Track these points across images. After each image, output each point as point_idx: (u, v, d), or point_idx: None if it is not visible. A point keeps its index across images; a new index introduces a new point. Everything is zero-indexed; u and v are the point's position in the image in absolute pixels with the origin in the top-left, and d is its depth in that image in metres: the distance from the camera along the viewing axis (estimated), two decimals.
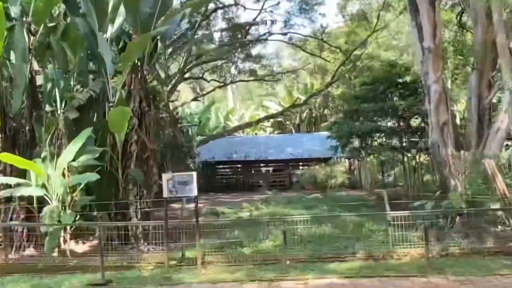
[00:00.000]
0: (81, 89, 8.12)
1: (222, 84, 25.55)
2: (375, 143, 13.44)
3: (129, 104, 7.27)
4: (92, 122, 7.99)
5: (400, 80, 12.72)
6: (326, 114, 31.87)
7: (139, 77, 7.47)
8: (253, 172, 26.09)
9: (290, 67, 30.03)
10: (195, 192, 4.64)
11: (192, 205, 6.59)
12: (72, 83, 8.07)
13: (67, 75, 8.00)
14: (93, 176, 6.21)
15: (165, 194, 4.71)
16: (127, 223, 7.13)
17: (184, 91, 35.10)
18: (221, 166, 26.07)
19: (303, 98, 27.64)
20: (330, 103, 29.79)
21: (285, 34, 22.29)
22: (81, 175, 6.50)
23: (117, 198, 7.35)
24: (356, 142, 13.57)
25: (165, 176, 4.76)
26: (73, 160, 6.69)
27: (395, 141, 13.09)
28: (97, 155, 6.99)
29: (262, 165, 26.85)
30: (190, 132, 26.05)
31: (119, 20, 7.76)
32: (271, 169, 26.32)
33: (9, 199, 6.76)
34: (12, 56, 7.23)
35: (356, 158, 15.88)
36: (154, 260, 5.66)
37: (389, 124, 13.01)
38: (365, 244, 5.99)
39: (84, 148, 6.85)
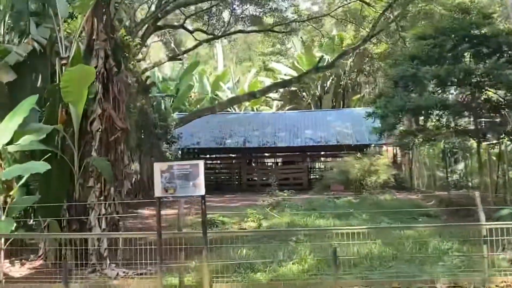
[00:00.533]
0: (19, 39, 8.03)
1: (210, 37, 25.29)
2: (437, 124, 13.47)
3: (89, 62, 7.28)
4: (36, 88, 7.98)
5: (476, 33, 12.58)
6: (360, 82, 31.93)
7: (104, 22, 7.39)
8: (254, 164, 26.34)
9: (310, 12, 29.70)
10: (202, 190, 4.61)
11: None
12: (2, 29, 8.05)
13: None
14: (41, 166, 6.19)
15: (158, 192, 4.68)
16: (87, 235, 7.16)
17: (154, 47, 34.76)
18: (208, 156, 26.23)
19: (328, 58, 27.56)
20: (367, 66, 29.73)
21: None
22: (22, 165, 6.48)
23: (72, 198, 7.46)
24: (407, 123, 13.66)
25: (159, 167, 4.71)
26: (10, 142, 6.66)
27: (466, 122, 13.12)
28: (44, 136, 6.95)
29: (267, 154, 27.07)
30: (163, 106, 26.03)
31: None
32: (280, 160, 26.56)
33: None
34: None
35: (407, 147, 15.95)
36: None
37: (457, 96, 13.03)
38: (439, 268, 6.07)
39: (25, 125, 6.82)
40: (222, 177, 25.86)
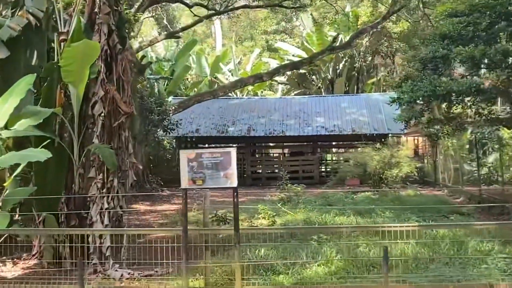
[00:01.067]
0: (12, 11, 8.04)
1: (211, 12, 25.16)
2: (467, 112, 13.51)
3: (91, 38, 7.36)
4: (31, 67, 8.09)
5: None
6: (377, 64, 32.02)
7: None
8: (259, 155, 26.52)
9: None
10: (234, 182, 4.61)
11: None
12: None
13: None
14: (41, 154, 6.25)
15: (184, 183, 4.69)
16: (87, 230, 7.24)
17: (145, 24, 34.60)
18: (207, 146, 26.32)
19: (342, 37, 27.49)
20: (385, 47, 29.78)
21: None
22: (19, 153, 6.56)
23: (71, 191, 7.65)
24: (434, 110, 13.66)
25: (186, 155, 4.70)
26: (5, 127, 6.76)
27: (500, 109, 13.14)
28: (40, 121, 7.01)
29: (274, 144, 27.21)
30: (156, 90, 26.05)
31: None
32: (288, 151, 26.68)
33: None
34: None
35: (436, 136, 15.98)
36: None
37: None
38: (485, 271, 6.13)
39: (20, 108, 6.93)
40: None
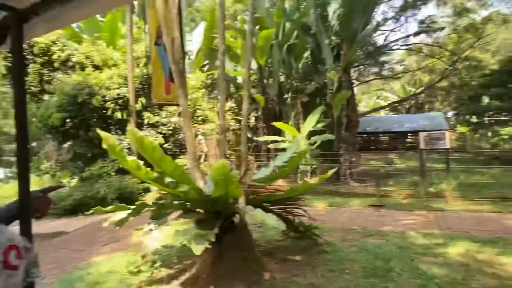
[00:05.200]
0: (310, 82, 13.15)
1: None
2: None
3: (342, 91, 12.54)
4: (316, 103, 12.98)
5: None
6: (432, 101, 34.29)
7: (347, 72, 12.67)
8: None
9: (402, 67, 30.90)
10: (447, 145, 9.40)
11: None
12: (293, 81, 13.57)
13: (297, 75, 13.58)
14: (329, 136, 11.45)
15: (422, 146, 9.59)
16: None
17: None
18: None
19: (413, 90, 30.01)
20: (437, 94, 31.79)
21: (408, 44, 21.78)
22: (320, 136, 11.63)
23: (333, 151, 12.42)
24: None
25: (423, 134, 9.65)
26: (313, 127, 12.10)
27: None
28: (324, 124, 12.38)
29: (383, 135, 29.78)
30: None
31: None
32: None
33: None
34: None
35: None
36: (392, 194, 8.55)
37: None
38: None
39: (317, 119, 12.19)
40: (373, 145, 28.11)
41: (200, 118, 11.88)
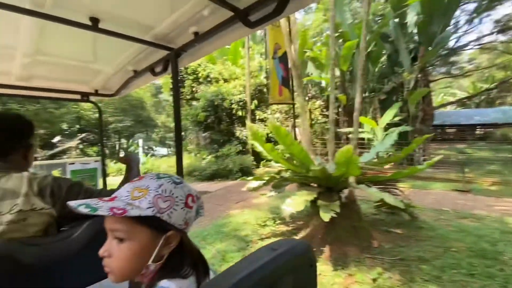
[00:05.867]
0: (387, 82, 11.53)
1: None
2: None
3: (418, 89, 10.61)
4: (392, 100, 11.29)
5: None
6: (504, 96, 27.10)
7: (423, 72, 10.69)
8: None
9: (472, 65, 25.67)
10: None
11: None
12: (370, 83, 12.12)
13: (373, 77, 12.14)
14: (407, 128, 9.84)
15: None
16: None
17: None
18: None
19: (484, 86, 24.34)
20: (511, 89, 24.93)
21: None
22: (397, 128, 10.02)
23: (408, 141, 10.74)
24: None
25: None
26: (390, 120, 10.55)
27: None
28: (401, 117, 10.71)
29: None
30: None
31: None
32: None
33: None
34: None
35: None
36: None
37: None
38: None
39: (395, 113, 10.55)
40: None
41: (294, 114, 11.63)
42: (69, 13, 0.96)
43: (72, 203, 0.54)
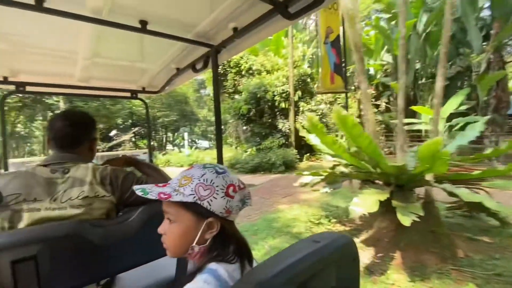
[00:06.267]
0: (450, 66, 10.14)
1: None
2: None
3: (491, 72, 9.07)
4: (457, 87, 9.98)
5: None
6: None
7: (497, 52, 9.09)
8: None
9: None
10: None
11: None
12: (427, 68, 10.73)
13: (431, 61, 10.80)
14: (477, 118, 8.44)
15: None
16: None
17: None
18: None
19: None
20: None
21: None
22: (464, 118, 8.86)
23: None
24: None
25: None
26: (454, 109, 9.17)
27: None
28: (469, 106, 9.32)
29: None
30: None
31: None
32: None
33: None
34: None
35: None
36: None
37: None
38: None
39: (461, 101, 9.17)
40: None
41: (340, 105, 10.94)
42: (122, 17, 1.04)
43: (136, 187, 0.62)
